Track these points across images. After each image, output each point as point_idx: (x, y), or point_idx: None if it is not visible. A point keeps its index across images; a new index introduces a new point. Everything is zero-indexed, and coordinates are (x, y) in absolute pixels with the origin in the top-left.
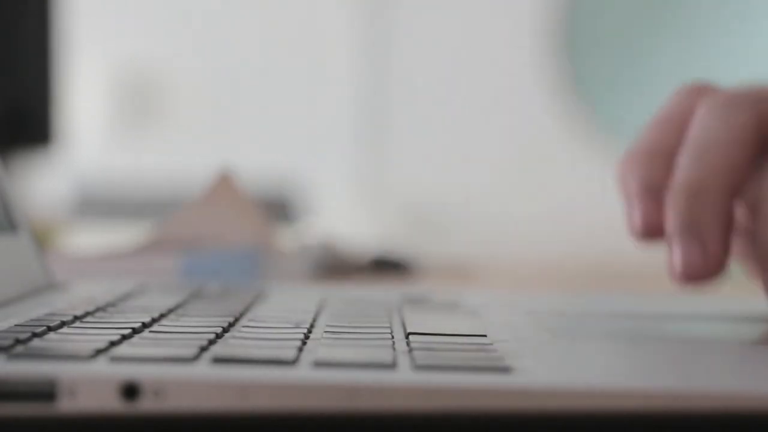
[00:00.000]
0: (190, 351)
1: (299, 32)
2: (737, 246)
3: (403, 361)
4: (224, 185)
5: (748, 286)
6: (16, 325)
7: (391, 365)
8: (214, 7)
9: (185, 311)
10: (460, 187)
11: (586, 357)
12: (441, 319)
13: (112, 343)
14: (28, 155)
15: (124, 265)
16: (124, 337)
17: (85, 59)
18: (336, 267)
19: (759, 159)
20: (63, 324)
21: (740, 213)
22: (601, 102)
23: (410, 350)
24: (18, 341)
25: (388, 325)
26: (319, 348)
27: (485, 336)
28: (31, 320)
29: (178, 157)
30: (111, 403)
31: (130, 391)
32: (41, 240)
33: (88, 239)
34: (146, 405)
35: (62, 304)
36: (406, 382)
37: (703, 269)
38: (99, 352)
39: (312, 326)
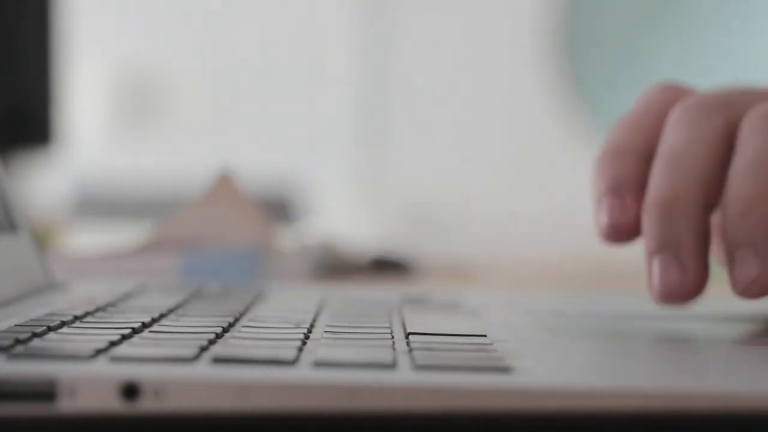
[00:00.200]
0: (190, 351)
1: (299, 32)
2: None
3: (403, 361)
4: (224, 185)
5: None
6: (16, 325)
7: (391, 365)
8: (214, 7)
9: (185, 311)
10: (460, 187)
11: (586, 357)
12: (441, 319)
13: (112, 343)
14: (28, 155)
15: (124, 265)
16: (124, 337)
17: (85, 59)
18: (336, 267)
19: (730, 162)
20: (63, 324)
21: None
22: (601, 102)
23: (410, 350)
24: (18, 341)
25: (388, 325)
26: (319, 348)
27: (485, 336)
28: (31, 320)
29: (178, 157)
30: (111, 403)
31: (130, 391)
32: (41, 240)
33: (88, 239)
34: (146, 405)
35: (62, 304)
36: (406, 382)
37: (683, 289)
38: (99, 352)
39: (312, 326)
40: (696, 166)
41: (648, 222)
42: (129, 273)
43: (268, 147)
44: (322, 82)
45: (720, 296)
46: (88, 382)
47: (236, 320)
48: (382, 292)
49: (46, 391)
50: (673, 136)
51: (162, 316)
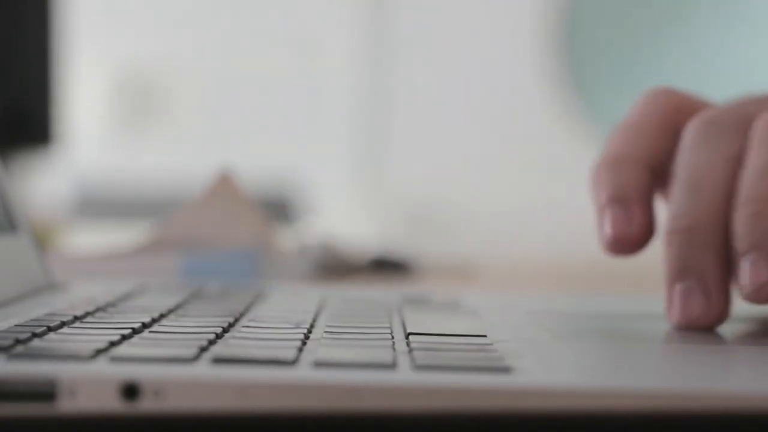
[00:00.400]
0: (190, 351)
1: (299, 32)
2: None
3: (403, 361)
4: (224, 185)
5: None
6: (16, 325)
7: (391, 365)
8: (214, 7)
9: (185, 311)
10: (460, 187)
11: (586, 357)
12: (441, 319)
13: (112, 343)
14: (28, 155)
15: (124, 265)
16: (124, 337)
17: (85, 59)
18: (336, 267)
19: None
20: (63, 324)
21: None
22: (601, 102)
23: (410, 350)
24: (18, 341)
25: (388, 325)
26: (319, 348)
27: (485, 336)
28: (31, 320)
29: (178, 157)
30: (111, 403)
31: (130, 391)
32: (41, 240)
33: (88, 239)
34: (146, 405)
35: (62, 304)
36: (406, 382)
37: (706, 318)
38: (99, 352)
39: (312, 326)
40: (717, 191)
41: (669, 250)
42: (129, 273)
43: (268, 147)
44: (322, 82)
45: None
46: (88, 382)
47: (236, 320)
48: (382, 292)
49: (46, 391)
50: (691, 158)
51: (162, 316)
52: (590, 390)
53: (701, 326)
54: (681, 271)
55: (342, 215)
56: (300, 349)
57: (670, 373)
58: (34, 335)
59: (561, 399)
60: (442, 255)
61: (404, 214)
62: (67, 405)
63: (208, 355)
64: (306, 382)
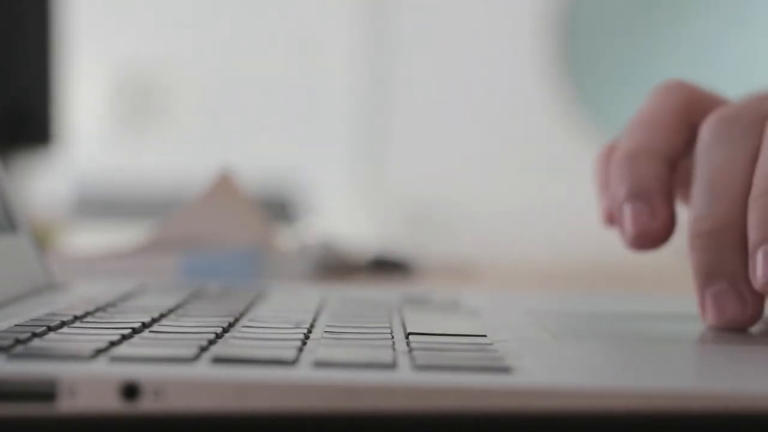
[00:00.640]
0: (190, 351)
1: (299, 32)
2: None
3: (403, 361)
4: (224, 185)
5: None
6: (16, 325)
7: (391, 365)
8: (214, 7)
9: (185, 311)
10: (460, 187)
11: (586, 357)
12: (441, 319)
13: (112, 343)
14: (28, 155)
15: (124, 265)
16: (124, 337)
17: (85, 59)
18: (336, 267)
19: None
20: (63, 324)
21: None
22: (601, 102)
23: (410, 350)
24: (18, 341)
25: (388, 325)
26: (319, 348)
27: (485, 336)
28: (31, 320)
29: (178, 157)
30: (111, 403)
31: (130, 391)
32: (41, 240)
33: (88, 239)
34: (146, 405)
35: (62, 304)
36: (406, 382)
37: (742, 320)
38: (99, 352)
39: (312, 326)
40: (737, 192)
41: (695, 253)
42: (129, 273)
43: (268, 147)
44: (322, 82)
45: None
46: (88, 382)
47: (236, 320)
48: (382, 292)
49: (46, 391)
50: (710, 159)
51: (162, 316)
52: (590, 390)
53: (737, 327)
54: (710, 274)
55: (342, 215)
56: (300, 349)
57: (670, 373)
58: (34, 335)
59: (561, 399)
60: (442, 255)
61: (404, 214)
62: (67, 405)
63: (208, 355)
64: (306, 382)
